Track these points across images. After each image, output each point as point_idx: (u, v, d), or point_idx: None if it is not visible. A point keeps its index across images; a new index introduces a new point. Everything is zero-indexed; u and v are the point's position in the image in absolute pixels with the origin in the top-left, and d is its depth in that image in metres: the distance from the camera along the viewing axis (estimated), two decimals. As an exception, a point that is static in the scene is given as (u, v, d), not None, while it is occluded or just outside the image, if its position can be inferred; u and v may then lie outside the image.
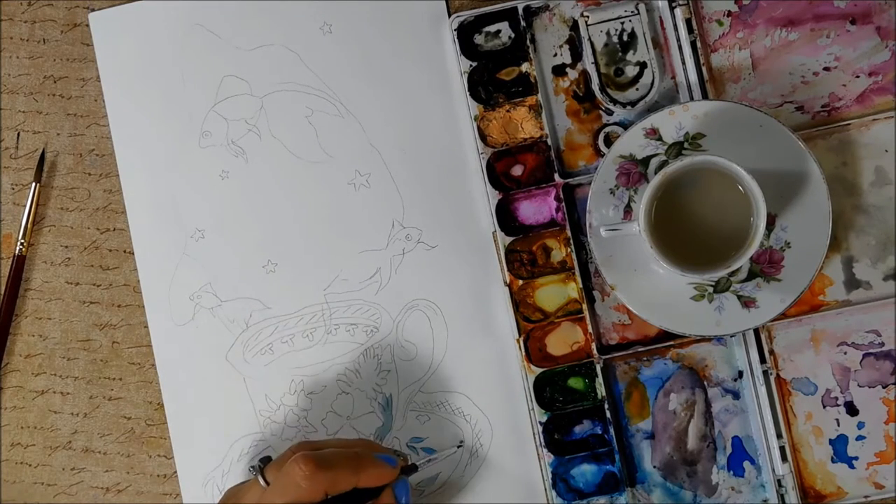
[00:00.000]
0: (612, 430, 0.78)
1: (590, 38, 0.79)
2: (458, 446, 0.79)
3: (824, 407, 0.79)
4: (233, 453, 0.80)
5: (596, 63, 0.79)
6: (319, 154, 0.81)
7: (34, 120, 0.82)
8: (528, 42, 0.79)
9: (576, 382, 0.79)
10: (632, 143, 0.76)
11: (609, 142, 0.79)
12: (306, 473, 0.69)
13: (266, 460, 0.73)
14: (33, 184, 0.81)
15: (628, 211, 0.76)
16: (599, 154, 0.80)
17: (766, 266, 0.76)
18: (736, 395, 0.79)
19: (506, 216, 0.79)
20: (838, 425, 0.79)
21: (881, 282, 0.79)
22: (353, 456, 0.71)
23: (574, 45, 0.80)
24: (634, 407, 0.79)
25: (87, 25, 0.82)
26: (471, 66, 0.80)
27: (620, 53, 0.79)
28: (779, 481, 0.78)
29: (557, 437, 0.79)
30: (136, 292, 0.81)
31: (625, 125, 0.79)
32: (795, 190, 0.75)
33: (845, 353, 0.79)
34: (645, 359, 0.79)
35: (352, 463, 0.70)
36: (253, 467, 0.71)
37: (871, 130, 0.79)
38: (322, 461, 0.69)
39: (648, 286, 0.76)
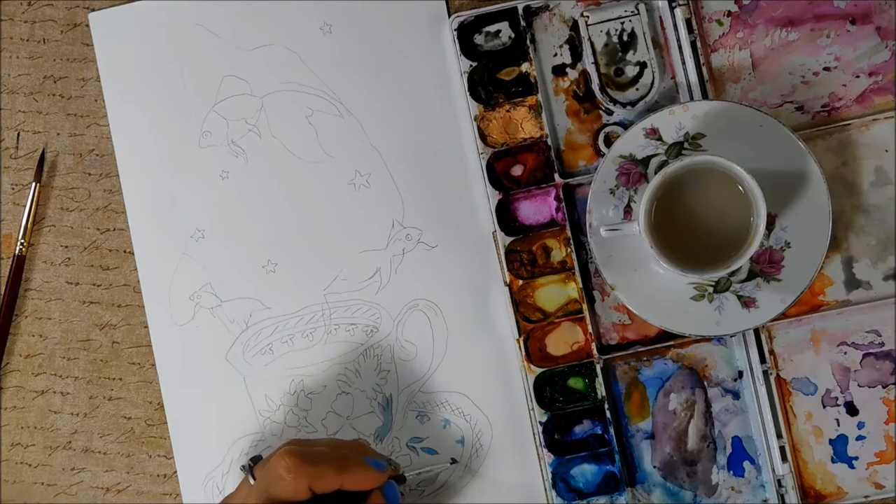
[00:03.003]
0: (612, 430, 0.78)
1: (590, 38, 0.79)
2: (452, 462, 0.79)
3: (824, 407, 0.79)
4: (233, 453, 0.80)
5: (596, 63, 0.79)
6: (319, 154, 0.81)
7: (34, 120, 0.82)
8: (528, 42, 0.79)
9: (576, 382, 0.79)
10: (632, 143, 0.76)
11: (609, 142, 0.79)
12: (289, 466, 0.69)
13: (257, 459, 0.74)
14: (33, 184, 0.81)
15: (628, 211, 0.76)
16: (599, 154, 0.80)
17: (766, 266, 0.76)
18: (736, 395, 0.79)
19: (506, 216, 0.79)
20: (838, 425, 0.79)
21: (881, 282, 0.79)
22: (339, 456, 0.71)
23: (574, 45, 0.80)
24: (634, 407, 0.79)
25: (87, 25, 0.82)
26: (471, 66, 0.80)
27: (620, 53, 0.79)
28: (779, 481, 0.78)
29: (557, 437, 0.79)
30: (136, 292, 0.81)
31: (625, 125, 0.79)
32: (795, 190, 0.75)
33: (845, 353, 0.79)
34: (645, 359, 0.79)
35: (337, 462, 0.71)
36: (244, 466, 0.72)
37: (871, 130, 0.79)
38: (306, 456, 0.70)
39: (648, 286, 0.76)
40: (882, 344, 0.79)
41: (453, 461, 0.79)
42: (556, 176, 0.79)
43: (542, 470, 0.79)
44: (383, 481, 0.72)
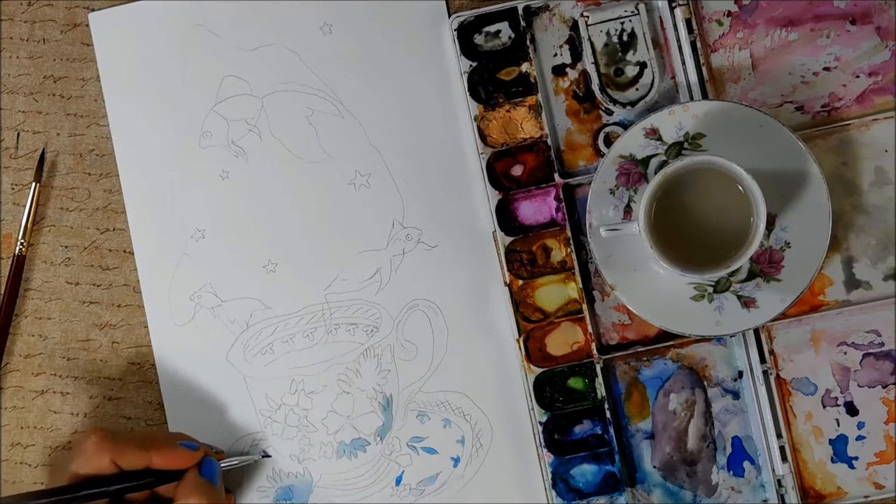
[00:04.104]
0: (612, 430, 0.78)
1: (590, 38, 0.79)
2: (264, 456, 0.79)
3: (824, 407, 0.79)
4: (233, 453, 0.80)
5: (596, 63, 0.79)
6: (319, 154, 0.81)
7: (34, 120, 0.82)
8: (528, 42, 0.79)
9: (576, 382, 0.79)
10: (632, 143, 0.76)
11: (609, 142, 0.79)
12: (93, 441, 0.72)
13: None
14: (33, 184, 0.81)
15: (628, 211, 0.76)
16: (599, 154, 0.80)
17: (766, 266, 0.76)
18: (736, 395, 0.79)
19: (506, 216, 0.79)
20: (838, 425, 0.79)
21: (881, 282, 0.79)
22: (145, 434, 0.74)
23: (574, 45, 0.80)
24: (634, 407, 0.79)
25: (87, 25, 0.82)
26: (471, 66, 0.80)
27: (620, 53, 0.79)
28: (779, 481, 0.78)
29: (557, 437, 0.79)
30: (136, 292, 0.81)
31: (625, 125, 0.79)
32: (795, 190, 0.75)
33: (845, 353, 0.79)
34: (645, 359, 0.79)
35: (143, 439, 0.73)
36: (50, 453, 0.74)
37: (871, 130, 0.79)
38: (111, 432, 0.72)
39: (648, 286, 0.76)
40: (882, 344, 0.79)
41: (265, 455, 0.80)
42: (556, 176, 0.79)
43: (542, 470, 0.79)
44: (196, 460, 0.74)
